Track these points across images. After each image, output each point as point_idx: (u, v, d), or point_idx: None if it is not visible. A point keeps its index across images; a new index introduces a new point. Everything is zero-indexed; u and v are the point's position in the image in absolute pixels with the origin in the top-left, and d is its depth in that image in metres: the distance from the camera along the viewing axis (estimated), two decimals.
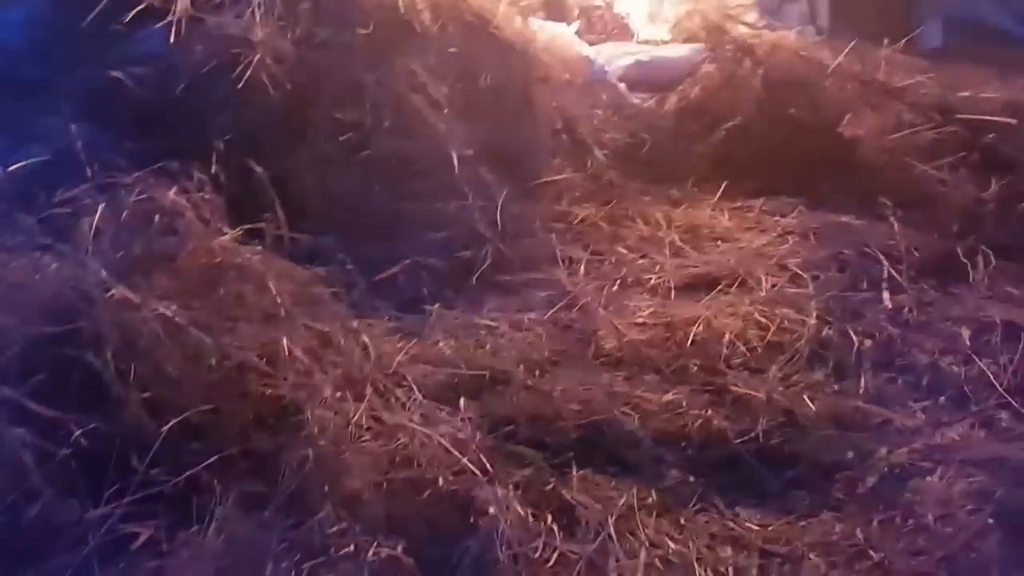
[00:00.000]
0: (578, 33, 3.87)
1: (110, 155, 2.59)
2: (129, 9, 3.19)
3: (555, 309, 2.73)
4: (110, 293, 2.14)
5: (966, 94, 3.32)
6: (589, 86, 3.56)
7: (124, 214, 2.36)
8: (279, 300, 2.37)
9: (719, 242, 3.13)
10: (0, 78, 3.27)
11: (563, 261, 2.99)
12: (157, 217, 2.36)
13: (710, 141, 3.45)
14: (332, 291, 2.61)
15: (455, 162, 3.09)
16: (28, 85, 3.20)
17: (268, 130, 3.00)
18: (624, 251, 3.09)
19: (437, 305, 2.74)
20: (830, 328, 2.65)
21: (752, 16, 4.22)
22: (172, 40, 3.09)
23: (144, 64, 3.07)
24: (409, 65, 3.24)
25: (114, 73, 2.97)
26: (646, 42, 3.92)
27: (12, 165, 2.65)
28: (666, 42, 3.88)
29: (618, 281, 2.92)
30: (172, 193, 2.44)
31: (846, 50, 3.51)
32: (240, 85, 2.97)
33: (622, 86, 3.60)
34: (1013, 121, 3.19)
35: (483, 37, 3.38)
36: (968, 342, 2.62)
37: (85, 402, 2.08)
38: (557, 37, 3.70)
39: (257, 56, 3.04)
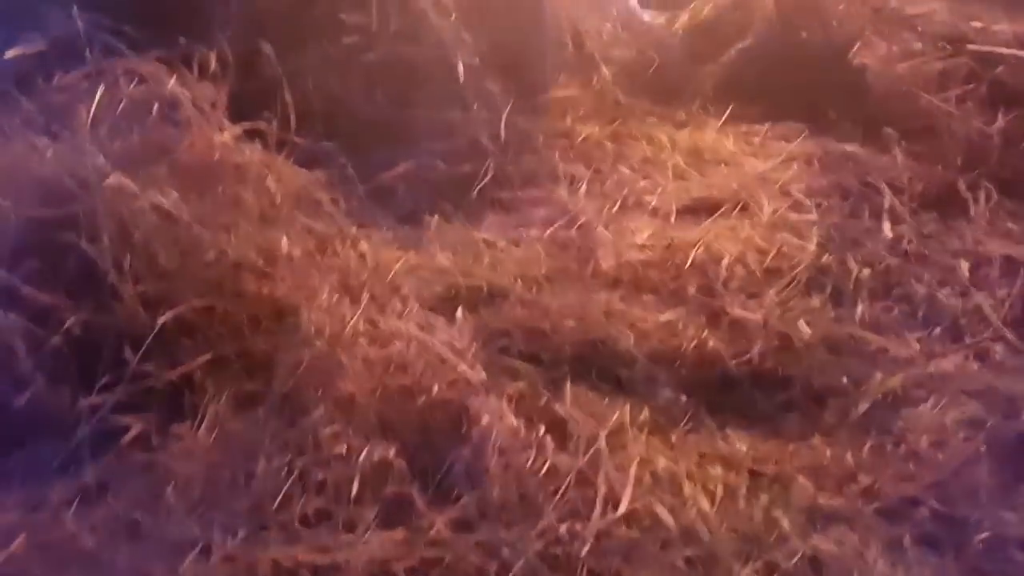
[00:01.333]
0: None
1: (110, 41, 2.51)
2: None
3: (554, 227, 2.71)
4: (107, 180, 2.10)
5: (978, 25, 3.25)
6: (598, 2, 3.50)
7: (123, 101, 2.31)
8: (278, 200, 2.33)
9: (722, 165, 3.10)
10: None
11: (564, 179, 2.97)
12: (156, 106, 2.31)
13: (719, 62, 3.39)
14: (331, 197, 2.57)
15: (460, 70, 3.04)
16: None
17: (272, 26, 2.93)
18: (626, 171, 3.06)
19: (436, 217, 2.71)
20: (829, 255, 2.63)
21: None
22: None
23: None
24: None
25: None
26: None
27: (9, 51, 2.59)
28: None
29: (619, 202, 2.89)
30: (172, 82, 2.39)
31: None
32: None
33: (633, 1, 3.53)
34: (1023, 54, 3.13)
35: None
36: (966, 275, 2.61)
37: (79, 290, 2.06)
38: None
39: None
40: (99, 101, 2.27)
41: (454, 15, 3.11)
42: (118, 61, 2.43)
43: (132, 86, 2.36)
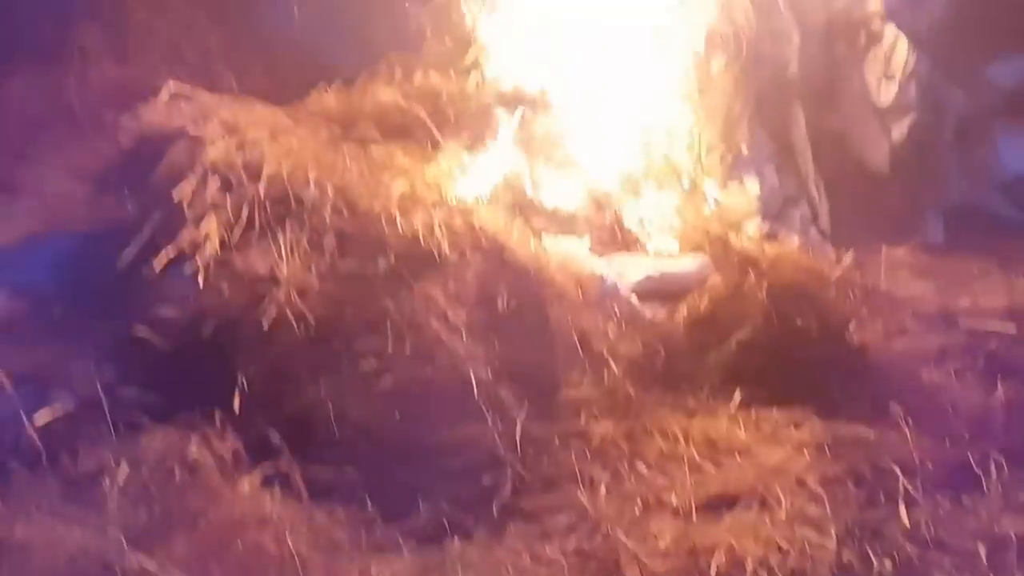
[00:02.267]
0: (589, 246, 4.02)
1: (134, 406, 2.68)
2: (157, 252, 3.40)
3: (577, 538, 2.76)
4: (127, 561, 2.18)
5: (967, 303, 3.42)
6: (602, 301, 3.68)
7: (145, 471, 2.43)
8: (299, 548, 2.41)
9: (737, 455, 3.18)
10: (27, 321, 3.38)
11: (583, 482, 3.04)
12: (178, 473, 2.43)
13: (722, 351, 3.54)
14: (351, 532, 2.65)
15: (474, 385, 3.19)
16: (55, 329, 3.31)
17: (291, 366, 3.11)
18: (644, 468, 3.14)
19: (457, 539, 2.77)
20: (850, 550, 2.66)
21: (755, 221, 4.40)
22: (200, 282, 3.25)
23: (171, 307, 3.20)
24: (429, 291, 3.37)
25: (140, 329, 3.08)
26: (655, 252, 4.05)
27: (36, 413, 2.74)
28: (673, 254, 4.01)
29: (639, 501, 2.96)
30: (194, 447, 2.52)
31: (846, 260, 3.62)
32: (265, 324, 3.10)
33: (634, 299, 3.73)
34: (1013, 331, 3.26)
35: (499, 262, 3.52)
36: (985, 561, 2.63)
37: None
38: (569, 254, 3.85)
39: (282, 293, 3.18)
40: (122, 473, 2.39)
41: (465, 333, 3.29)
42: (141, 431, 2.57)
43: (155, 454, 2.48)
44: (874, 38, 4.78)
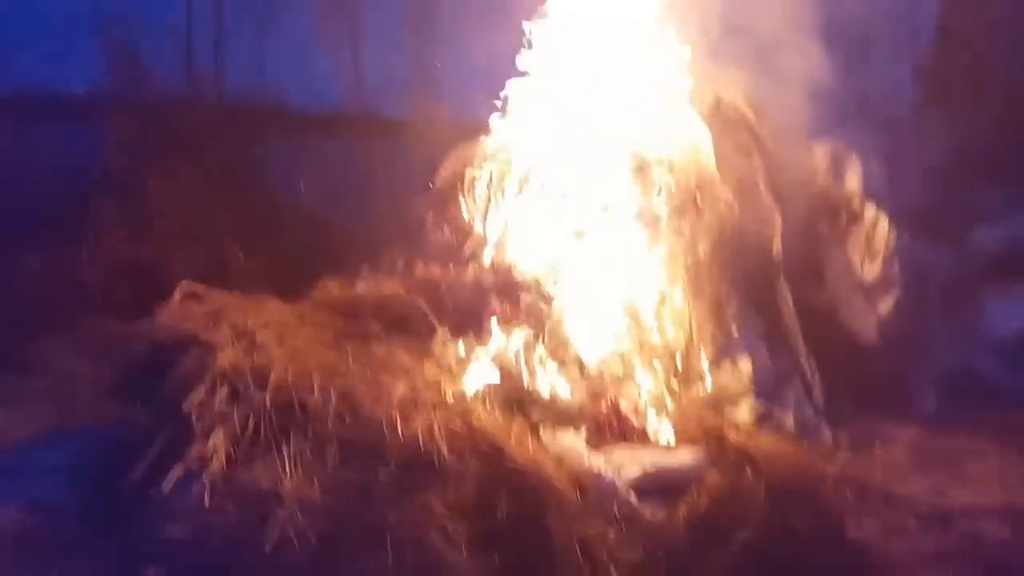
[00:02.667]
0: (587, 437, 4.08)
1: None
2: (168, 463, 3.48)
3: None
4: None
5: (964, 499, 3.46)
6: (601, 501, 3.73)
7: None
8: None
9: None
10: (39, 538, 3.43)
11: None
12: None
13: (722, 554, 3.56)
14: None
15: None
16: (67, 549, 3.36)
17: None
18: None
19: None
20: None
21: (749, 400, 4.48)
22: (207, 498, 3.32)
23: (178, 527, 3.26)
24: (429, 502, 3.43)
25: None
26: (652, 444, 4.11)
27: None
28: (671, 445, 4.08)
29: None
30: None
31: (839, 457, 3.69)
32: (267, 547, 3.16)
33: (632, 497, 3.77)
34: (1009, 535, 3.30)
35: (498, 466, 3.59)
36: None
37: None
38: (568, 450, 3.91)
39: (285, 512, 3.25)
40: None
41: (464, 546, 3.34)
42: None
43: None
44: (855, 217, 4.95)
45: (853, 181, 4.97)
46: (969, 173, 5.45)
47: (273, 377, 3.75)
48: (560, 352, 4.36)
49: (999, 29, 5.98)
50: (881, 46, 5.77)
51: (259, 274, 6.00)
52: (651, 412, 4.26)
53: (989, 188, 5.49)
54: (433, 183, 5.12)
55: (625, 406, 4.30)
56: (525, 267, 4.60)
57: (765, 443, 3.94)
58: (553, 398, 4.20)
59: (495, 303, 4.42)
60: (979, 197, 5.76)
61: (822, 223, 4.97)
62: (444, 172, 5.13)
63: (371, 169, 7.09)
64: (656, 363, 4.48)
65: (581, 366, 4.34)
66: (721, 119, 4.88)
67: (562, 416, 4.15)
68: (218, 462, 3.42)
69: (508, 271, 4.64)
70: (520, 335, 4.35)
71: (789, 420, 4.49)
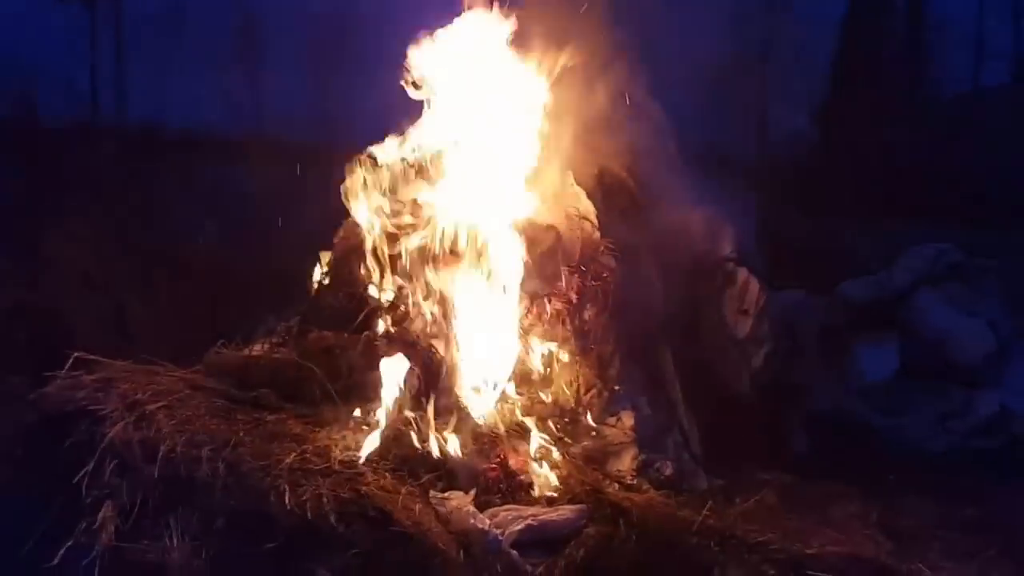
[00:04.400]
0: (475, 496, 4.24)
1: None
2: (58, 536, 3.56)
3: None
4: None
5: (813, 550, 3.72)
6: (485, 558, 3.90)
7: None
8: None
9: None
10: None
11: None
12: None
13: None
14: None
15: None
16: None
17: None
18: None
19: None
20: None
21: (633, 450, 4.72)
22: (96, 572, 3.41)
23: None
24: (315, 570, 3.56)
25: None
26: (539, 499, 4.30)
27: None
28: (555, 500, 4.27)
29: None
30: None
31: (711, 506, 3.93)
32: None
33: (515, 554, 3.94)
34: None
35: (385, 531, 3.74)
36: None
37: None
38: (455, 510, 4.07)
39: None
40: None
41: None
42: None
43: None
44: (729, 279, 5.26)
45: (726, 246, 5.29)
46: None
47: (162, 449, 3.86)
48: (450, 412, 4.54)
49: None
50: None
51: (155, 325, 6.07)
52: (539, 467, 4.45)
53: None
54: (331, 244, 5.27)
55: (513, 463, 4.49)
56: (417, 330, 4.79)
57: (640, 496, 4.15)
58: (443, 457, 4.36)
59: (386, 364, 4.57)
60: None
61: (699, 284, 5.26)
62: (340, 234, 5.30)
63: (273, 198, 7.17)
64: (545, 419, 4.69)
65: (471, 425, 4.52)
66: (604, 188, 5.16)
67: (450, 476, 4.31)
68: (107, 535, 3.51)
69: (401, 334, 4.82)
70: (411, 397, 4.52)
71: (668, 469, 4.74)
